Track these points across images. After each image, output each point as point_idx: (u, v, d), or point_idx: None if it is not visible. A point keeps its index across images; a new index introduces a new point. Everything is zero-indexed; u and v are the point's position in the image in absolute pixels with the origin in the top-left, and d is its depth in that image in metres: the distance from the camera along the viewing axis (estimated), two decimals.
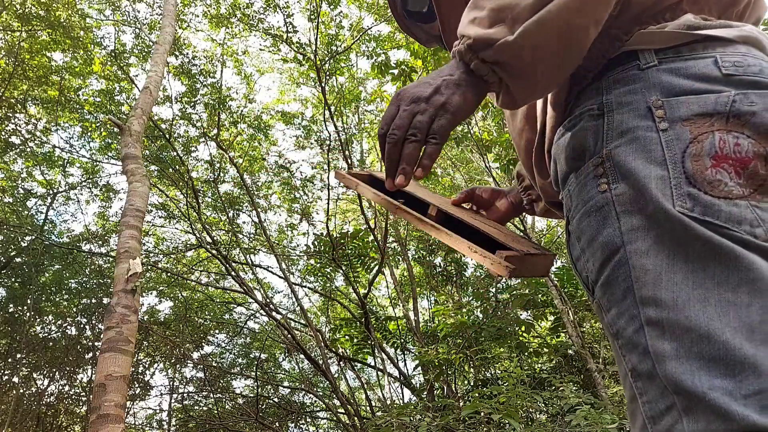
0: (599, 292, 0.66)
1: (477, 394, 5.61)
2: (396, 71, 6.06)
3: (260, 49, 10.64)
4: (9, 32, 8.25)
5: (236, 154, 9.03)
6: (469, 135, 6.37)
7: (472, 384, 6.85)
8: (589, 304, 5.85)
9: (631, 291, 0.60)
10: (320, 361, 6.26)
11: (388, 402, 7.08)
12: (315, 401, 8.79)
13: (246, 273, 8.54)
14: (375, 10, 9.41)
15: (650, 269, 0.59)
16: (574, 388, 4.64)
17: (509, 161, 6.19)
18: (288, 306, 10.44)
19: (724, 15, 0.74)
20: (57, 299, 9.17)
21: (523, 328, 6.11)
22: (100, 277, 9.09)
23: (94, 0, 9.24)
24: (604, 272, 0.64)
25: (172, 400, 9.20)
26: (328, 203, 6.79)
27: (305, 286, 8.89)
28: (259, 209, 8.08)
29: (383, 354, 6.67)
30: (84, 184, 10.00)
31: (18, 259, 8.94)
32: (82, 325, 9.30)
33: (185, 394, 9.24)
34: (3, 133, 8.55)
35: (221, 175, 8.61)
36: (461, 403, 5.68)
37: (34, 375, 9.08)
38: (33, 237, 8.88)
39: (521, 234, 5.73)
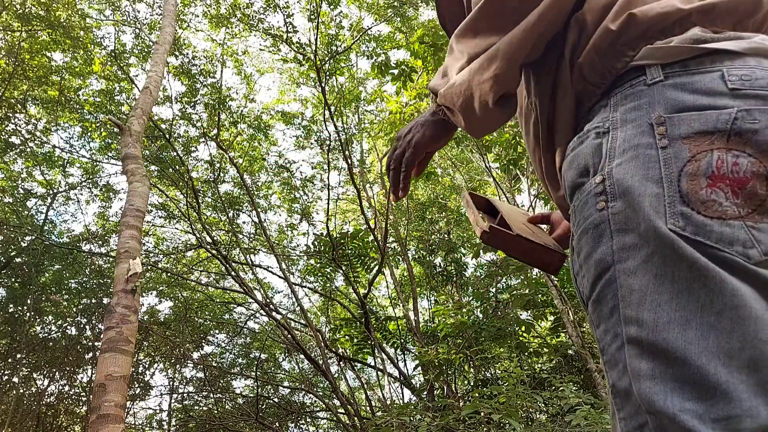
0: (590, 308, 0.68)
1: (477, 394, 5.61)
2: (396, 71, 6.06)
3: (260, 49, 10.65)
4: (9, 32, 8.25)
5: (236, 154, 9.03)
6: (469, 135, 6.37)
7: (472, 384, 6.85)
8: None
9: (617, 309, 0.62)
10: (320, 361, 6.26)
11: (388, 402, 7.08)
12: (315, 401, 8.79)
13: (246, 273, 8.54)
14: (375, 10, 9.41)
15: (636, 289, 0.60)
16: (574, 388, 4.64)
17: (509, 161, 6.19)
18: (288, 306, 10.45)
19: (740, 26, 0.72)
20: (57, 299, 9.17)
21: (523, 328, 6.11)
22: (100, 277, 9.09)
23: (94, 0, 9.24)
24: (595, 289, 0.66)
25: (172, 400, 9.20)
26: (328, 203, 6.80)
27: (305, 286, 8.89)
28: (259, 209, 8.08)
29: (383, 354, 6.67)
30: (84, 184, 10.00)
31: (18, 259, 8.94)
32: (82, 325, 9.30)
33: (185, 394, 9.24)
34: (3, 133, 8.55)
35: (221, 175, 8.62)
36: (461, 403, 5.69)
37: (34, 375, 9.07)
38: (33, 237, 8.88)
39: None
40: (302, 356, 7.47)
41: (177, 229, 9.76)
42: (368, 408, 6.91)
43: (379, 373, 7.07)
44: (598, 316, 0.66)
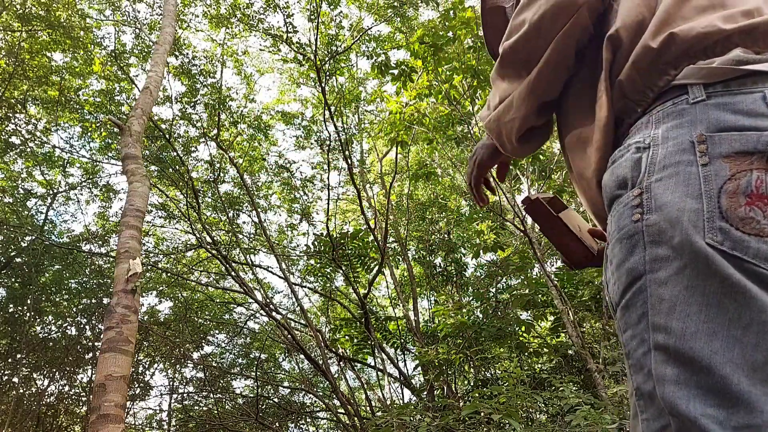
0: (619, 314, 0.71)
1: (477, 395, 5.61)
2: (396, 71, 6.06)
3: (260, 50, 10.66)
4: (9, 32, 8.25)
5: (236, 155, 9.03)
6: (469, 135, 6.38)
7: (472, 384, 6.85)
8: (589, 304, 5.84)
9: (646, 317, 0.65)
10: (320, 362, 6.26)
11: (388, 402, 7.08)
12: (315, 401, 8.79)
13: (246, 273, 8.54)
14: (375, 10, 9.42)
15: (666, 299, 0.63)
16: (574, 388, 4.64)
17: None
18: (288, 306, 10.45)
19: None
20: (57, 299, 9.16)
21: (523, 329, 6.11)
22: (100, 277, 9.09)
23: (94, 0, 9.24)
24: (625, 296, 0.69)
25: (172, 401, 9.20)
26: (328, 203, 6.80)
27: (305, 286, 8.88)
28: (259, 209, 8.08)
29: (383, 354, 6.67)
30: (84, 184, 10.00)
31: (18, 259, 8.93)
32: (82, 325, 9.30)
33: (185, 394, 9.24)
34: (3, 133, 8.55)
35: (221, 175, 8.61)
36: (461, 403, 5.68)
37: (34, 375, 9.07)
38: (33, 237, 8.88)
39: (522, 231, 5.74)
40: (302, 356, 7.47)
41: (177, 229, 9.76)
42: (368, 408, 6.91)
43: (379, 373, 7.07)
44: (625, 322, 0.69)
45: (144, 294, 8.95)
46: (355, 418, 5.73)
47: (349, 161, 6.71)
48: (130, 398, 8.65)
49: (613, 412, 3.61)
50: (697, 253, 0.61)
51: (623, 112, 0.78)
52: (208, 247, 7.07)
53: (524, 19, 0.86)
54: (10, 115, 8.54)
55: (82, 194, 10.21)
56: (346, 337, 7.19)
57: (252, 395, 8.53)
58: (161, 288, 9.23)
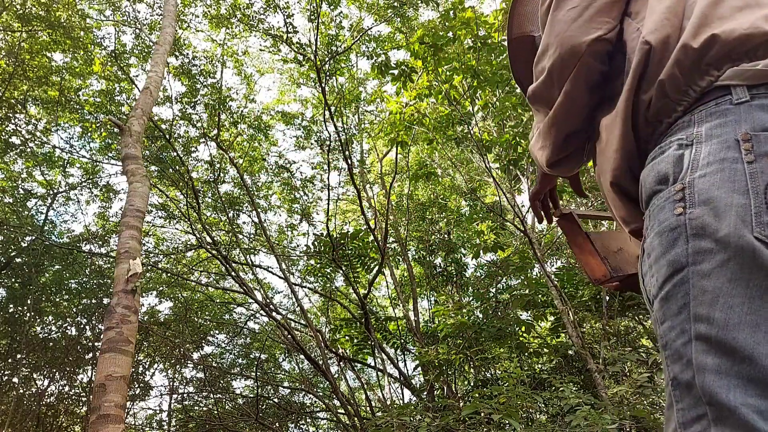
0: (657, 306, 0.72)
1: (477, 395, 5.60)
2: (396, 71, 6.06)
3: (260, 50, 10.65)
4: (9, 32, 8.25)
5: (236, 155, 9.03)
6: (470, 135, 6.38)
7: (472, 384, 6.85)
8: (589, 304, 5.83)
9: (687, 308, 0.66)
10: (320, 362, 6.26)
11: (388, 402, 7.08)
12: (315, 401, 8.79)
13: (246, 273, 8.54)
14: (375, 10, 9.42)
15: (709, 290, 0.65)
16: (574, 388, 4.64)
17: (509, 161, 6.19)
18: (288, 306, 10.46)
19: None
20: (57, 299, 9.16)
21: (523, 329, 6.10)
22: (100, 277, 9.08)
23: (94, 0, 9.24)
24: (665, 288, 0.70)
25: (172, 401, 9.20)
26: (328, 203, 6.80)
27: (305, 287, 8.88)
28: (259, 209, 8.08)
29: (383, 354, 6.67)
30: (84, 184, 10.00)
31: (18, 259, 8.93)
32: (82, 326, 9.30)
33: (185, 395, 9.24)
34: (3, 133, 8.55)
35: (221, 175, 8.61)
36: (461, 404, 5.68)
37: (34, 375, 9.07)
38: (33, 237, 8.87)
39: (522, 231, 5.74)
40: (302, 356, 7.47)
41: (177, 229, 9.76)
42: (368, 408, 6.91)
43: (379, 373, 7.07)
44: (664, 313, 0.70)
45: (144, 294, 8.95)
46: (355, 419, 5.73)
47: (349, 161, 6.71)
48: (130, 398, 8.65)
49: (613, 412, 3.61)
50: (743, 247, 0.63)
51: (663, 112, 0.79)
52: (208, 247, 7.07)
53: (543, 67, 0.94)
54: (10, 115, 8.54)
55: (82, 194, 10.20)
56: (346, 337, 7.19)
57: (252, 395, 8.52)
58: (161, 288, 9.23)
